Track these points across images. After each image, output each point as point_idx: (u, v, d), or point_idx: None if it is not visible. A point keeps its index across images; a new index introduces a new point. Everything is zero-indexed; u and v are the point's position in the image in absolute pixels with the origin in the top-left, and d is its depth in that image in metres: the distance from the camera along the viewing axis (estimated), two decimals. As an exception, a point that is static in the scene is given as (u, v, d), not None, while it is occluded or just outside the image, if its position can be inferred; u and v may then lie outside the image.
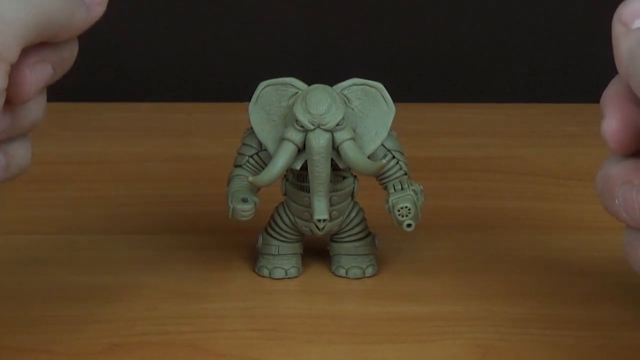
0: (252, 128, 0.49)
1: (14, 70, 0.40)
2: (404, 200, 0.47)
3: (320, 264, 0.51)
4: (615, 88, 0.39)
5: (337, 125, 0.46)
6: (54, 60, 0.42)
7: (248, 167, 0.49)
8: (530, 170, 0.65)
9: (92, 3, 0.43)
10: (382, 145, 0.48)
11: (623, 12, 0.39)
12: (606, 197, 0.39)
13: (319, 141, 0.46)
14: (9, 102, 0.41)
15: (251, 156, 0.49)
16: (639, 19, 0.39)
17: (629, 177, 0.38)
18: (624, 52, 0.38)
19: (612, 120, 0.38)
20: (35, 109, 0.42)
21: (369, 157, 0.48)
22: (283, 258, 0.50)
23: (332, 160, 0.47)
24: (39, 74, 0.41)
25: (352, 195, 0.49)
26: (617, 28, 0.39)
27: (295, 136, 0.46)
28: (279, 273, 0.50)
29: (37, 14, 0.39)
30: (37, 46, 0.40)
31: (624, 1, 0.39)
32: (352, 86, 0.48)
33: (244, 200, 0.47)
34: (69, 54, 0.43)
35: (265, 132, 0.48)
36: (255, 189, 0.48)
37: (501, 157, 0.67)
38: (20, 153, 0.42)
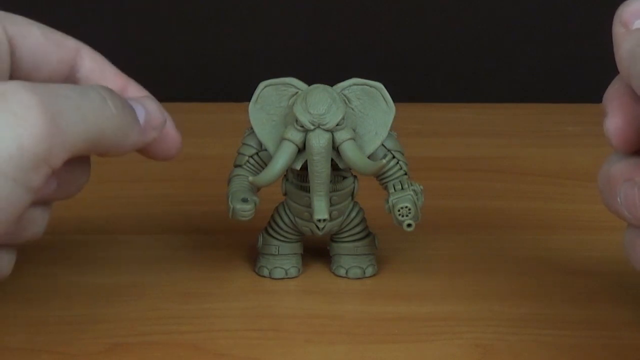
0: (252, 128, 0.49)
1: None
2: (404, 200, 0.47)
3: (320, 264, 0.51)
4: (617, 86, 0.39)
5: (337, 125, 0.46)
6: (64, 178, 0.42)
7: (248, 167, 0.49)
8: (530, 170, 0.65)
9: (147, 127, 0.43)
10: (382, 145, 0.48)
11: (623, 13, 0.39)
12: (607, 195, 0.39)
13: (319, 141, 0.46)
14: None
15: (251, 156, 0.49)
16: (639, 20, 0.39)
17: (631, 175, 0.38)
18: (625, 53, 0.38)
19: (614, 118, 0.39)
20: (38, 222, 0.43)
21: (369, 157, 0.48)
22: (283, 258, 0.50)
23: (332, 160, 0.47)
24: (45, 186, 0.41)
25: (352, 195, 0.49)
26: (617, 29, 0.39)
27: (296, 136, 0.46)
28: (279, 273, 0.50)
29: (92, 130, 0.39)
30: None
31: (624, 2, 0.39)
32: (352, 86, 0.48)
33: (244, 200, 0.47)
34: (80, 178, 0.43)
35: (265, 132, 0.48)
36: (255, 189, 0.48)
37: (501, 157, 0.67)
38: (4, 262, 0.42)
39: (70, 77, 0.45)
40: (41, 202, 0.42)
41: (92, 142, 0.39)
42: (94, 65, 0.46)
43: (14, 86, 0.37)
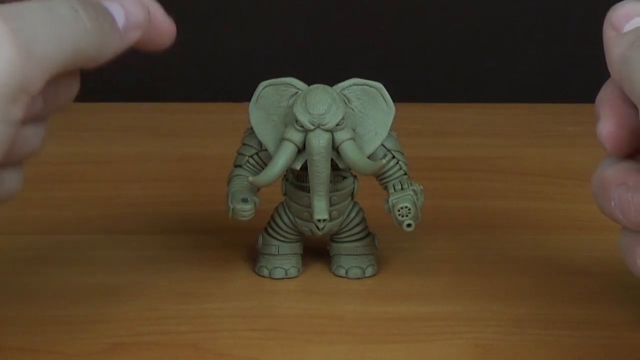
0: (252, 128, 0.49)
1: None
2: (404, 200, 0.47)
3: (320, 264, 0.51)
4: (609, 90, 0.39)
5: (337, 125, 0.46)
6: (49, 94, 0.40)
7: (248, 167, 0.49)
8: (530, 170, 0.65)
9: (128, 29, 0.41)
10: (382, 145, 0.48)
11: (613, 16, 0.39)
12: (601, 198, 0.39)
13: (319, 141, 0.46)
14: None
15: (251, 156, 0.49)
16: (629, 23, 0.39)
17: (625, 179, 0.38)
18: (616, 57, 0.38)
19: (607, 122, 0.39)
20: (33, 140, 0.41)
21: (369, 157, 0.48)
22: (283, 258, 0.50)
23: (332, 160, 0.47)
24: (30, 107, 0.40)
25: (352, 195, 0.49)
26: (607, 32, 0.39)
27: (295, 136, 0.46)
28: (279, 273, 0.50)
29: (67, 49, 0.38)
30: None
31: (613, 6, 0.39)
32: (352, 86, 0.48)
33: (244, 200, 0.47)
34: (68, 90, 0.41)
35: (265, 132, 0.48)
36: (255, 189, 0.48)
37: (501, 157, 0.67)
38: (12, 179, 0.41)
39: None
40: (31, 119, 0.40)
41: (70, 60, 0.38)
42: None
43: None
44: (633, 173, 0.38)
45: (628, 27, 0.39)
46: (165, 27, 0.43)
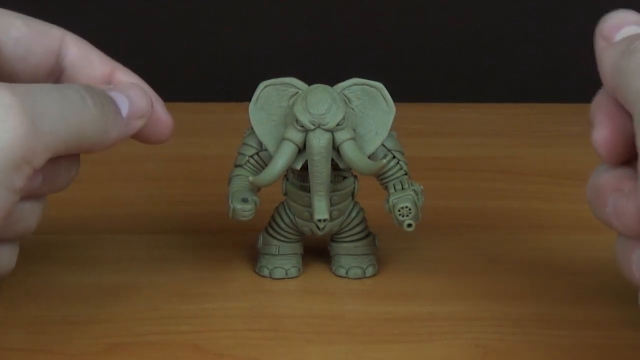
0: (252, 128, 0.49)
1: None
2: (405, 200, 0.47)
3: (320, 264, 0.51)
4: (602, 98, 0.39)
5: (337, 125, 0.46)
6: (49, 172, 0.41)
7: (248, 167, 0.49)
8: (530, 170, 0.65)
9: (131, 118, 0.43)
10: (383, 145, 0.48)
11: (604, 27, 0.39)
12: (597, 205, 0.39)
13: (320, 141, 0.46)
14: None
15: (251, 156, 0.49)
16: (620, 33, 0.39)
17: (620, 186, 0.38)
18: (608, 66, 0.38)
19: (602, 130, 0.39)
20: (30, 216, 0.42)
21: (369, 157, 0.48)
22: (283, 258, 0.50)
23: (332, 160, 0.47)
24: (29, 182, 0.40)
25: (353, 195, 0.49)
26: (599, 43, 0.39)
27: (296, 136, 0.46)
28: (279, 273, 0.50)
29: (72, 131, 0.39)
30: None
31: (603, 17, 0.39)
32: (353, 86, 0.48)
33: (244, 200, 0.47)
34: (67, 172, 0.43)
35: (265, 132, 0.48)
36: (255, 188, 0.48)
37: (501, 157, 0.67)
38: (4, 255, 0.42)
39: (56, 66, 0.45)
40: (29, 196, 0.41)
41: (74, 142, 0.39)
42: (79, 52, 0.45)
43: None
44: (628, 179, 0.38)
45: (619, 36, 0.39)
46: (165, 122, 0.45)
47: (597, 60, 0.39)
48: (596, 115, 0.39)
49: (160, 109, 0.45)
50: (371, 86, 0.48)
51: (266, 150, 0.48)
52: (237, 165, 0.49)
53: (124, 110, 0.42)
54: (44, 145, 0.38)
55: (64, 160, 0.42)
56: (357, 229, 0.50)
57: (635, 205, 0.37)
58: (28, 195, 0.41)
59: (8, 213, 0.38)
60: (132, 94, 0.43)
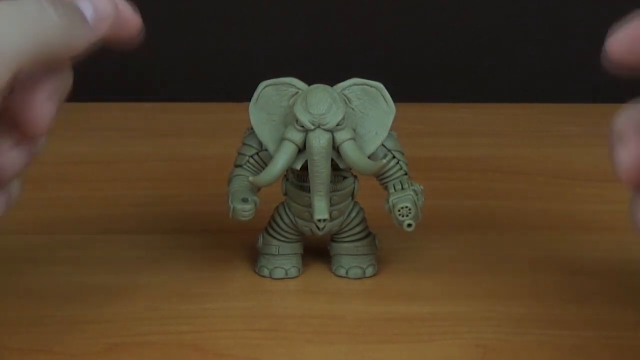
0: (252, 128, 0.49)
1: (30, 104, 0.39)
2: (404, 200, 0.47)
3: (320, 264, 0.51)
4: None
5: (337, 125, 0.46)
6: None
7: (248, 167, 0.49)
8: (530, 170, 0.65)
9: (97, 22, 0.42)
10: (383, 145, 0.48)
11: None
12: (610, 152, 0.35)
13: (320, 141, 0.46)
14: (25, 136, 0.40)
15: (251, 156, 0.49)
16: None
17: (625, 134, 0.35)
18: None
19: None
20: (15, 164, 0.41)
21: (369, 157, 0.48)
22: (283, 258, 0.50)
23: (332, 160, 0.47)
24: (52, 105, 0.40)
25: (352, 195, 0.49)
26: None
27: (296, 136, 0.46)
28: (279, 273, 0.50)
29: (31, 40, 0.38)
30: (44, 76, 0.39)
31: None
32: (353, 86, 0.48)
33: (245, 200, 0.47)
34: (64, 81, 0.41)
35: (265, 132, 0.48)
36: (255, 188, 0.48)
37: (501, 157, 0.67)
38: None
39: None
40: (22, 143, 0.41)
41: (38, 54, 0.38)
42: None
43: None
44: (633, 128, 0.34)
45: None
46: (131, 20, 0.43)
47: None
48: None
49: (125, 8, 0.43)
50: (371, 86, 0.48)
51: (266, 150, 0.48)
52: (237, 165, 0.49)
53: (89, 14, 0.41)
54: (4, 65, 0.36)
55: (47, 72, 0.40)
56: (357, 229, 0.50)
57: (625, 156, 0.34)
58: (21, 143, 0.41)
59: None
60: None
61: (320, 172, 0.46)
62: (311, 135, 0.46)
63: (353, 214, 0.50)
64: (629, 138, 0.35)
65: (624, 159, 0.35)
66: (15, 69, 0.37)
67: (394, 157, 0.48)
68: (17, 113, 0.39)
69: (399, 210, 0.47)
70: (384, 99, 0.48)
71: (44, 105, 0.40)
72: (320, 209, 0.47)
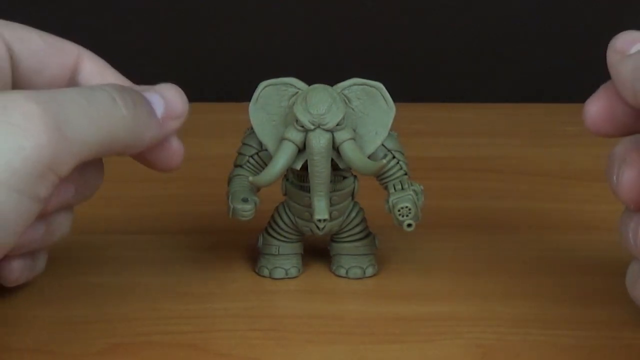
0: (252, 128, 0.49)
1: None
2: (404, 200, 0.47)
3: (320, 264, 0.51)
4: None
5: (337, 125, 0.46)
6: (79, 182, 0.42)
7: (248, 167, 0.49)
8: (530, 170, 0.65)
9: (166, 118, 0.42)
10: (383, 145, 0.48)
11: (617, 43, 0.38)
12: (607, 174, 0.38)
13: (319, 141, 0.46)
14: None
15: (251, 156, 0.49)
16: (635, 47, 0.38)
17: (626, 155, 0.37)
18: (628, 72, 0.37)
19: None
20: (65, 225, 0.44)
21: (369, 157, 0.48)
22: (283, 258, 0.50)
23: (332, 160, 0.47)
24: (61, 193, 0.41)
25: (353, 195, 0.49)
26: (613, 57, 0.38)
27: (296, 136, 0.46)
28: (279, 273, 0.50)
29: (102, 134, 0.38)
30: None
31: (615, 35, 0.39)
32: (353, 86, 0.48)
33: (245, 200, 0.47)
34: (96, 180, 0.43)
35: (265, 132, 0.48)
36: (255, 188, 0.48)
37: (501, 157, 0.67)
38: (42, 261, 0.45)
39: (71, 81, 0.45)
40: (65, 206, 0.43)
41: (104, 146, 0.39)
42: (94, 69, 0.45)
43: (15, 96, 0.37)
44: (634, 151, 0.37)
45: (634, 49, 0.38)
46: (176, 149, 0.44)
47: (612, 72, 0.38)
48: (628, 155, 0.38)
49: (174, 137, 0.44)
50: (371, 86, 0.48)
51: (266, 150, 0.48)
52: (237, 165, 0.49)
53: (159, 110, 0.42)
54: (71, 152, 0.37)
55: (91, 169, 0.42)
56: (357, 229, 0.50)
57: (631, 176, 0.36)
58: (64, 206, 0.43)
59: (31, 222, 0.38)
60: (168, 94, 0.43)
61: (320, 172, 0.46)
62: (311, 135, 0.46)
63: (353, 214, 0.50)
64: (633, 159, 0.37)
65: (629, 178, 0.37)
66: (80, 158, 0.38)
67: (394, 157, 0.48)
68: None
69: (399, 210, 0.47)
70: (384, 99, 0.48)
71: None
72: (320, 209, 0.47)
